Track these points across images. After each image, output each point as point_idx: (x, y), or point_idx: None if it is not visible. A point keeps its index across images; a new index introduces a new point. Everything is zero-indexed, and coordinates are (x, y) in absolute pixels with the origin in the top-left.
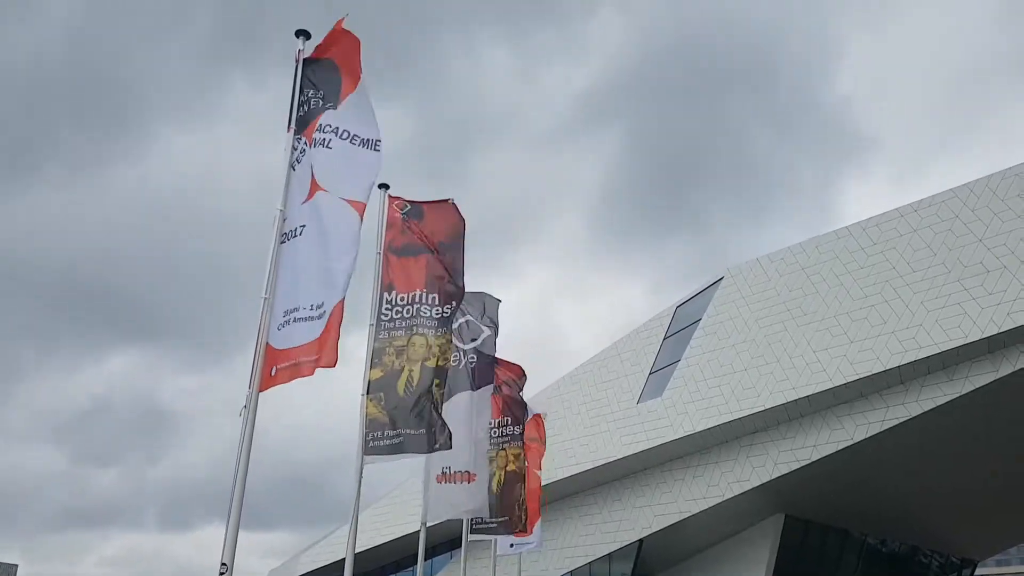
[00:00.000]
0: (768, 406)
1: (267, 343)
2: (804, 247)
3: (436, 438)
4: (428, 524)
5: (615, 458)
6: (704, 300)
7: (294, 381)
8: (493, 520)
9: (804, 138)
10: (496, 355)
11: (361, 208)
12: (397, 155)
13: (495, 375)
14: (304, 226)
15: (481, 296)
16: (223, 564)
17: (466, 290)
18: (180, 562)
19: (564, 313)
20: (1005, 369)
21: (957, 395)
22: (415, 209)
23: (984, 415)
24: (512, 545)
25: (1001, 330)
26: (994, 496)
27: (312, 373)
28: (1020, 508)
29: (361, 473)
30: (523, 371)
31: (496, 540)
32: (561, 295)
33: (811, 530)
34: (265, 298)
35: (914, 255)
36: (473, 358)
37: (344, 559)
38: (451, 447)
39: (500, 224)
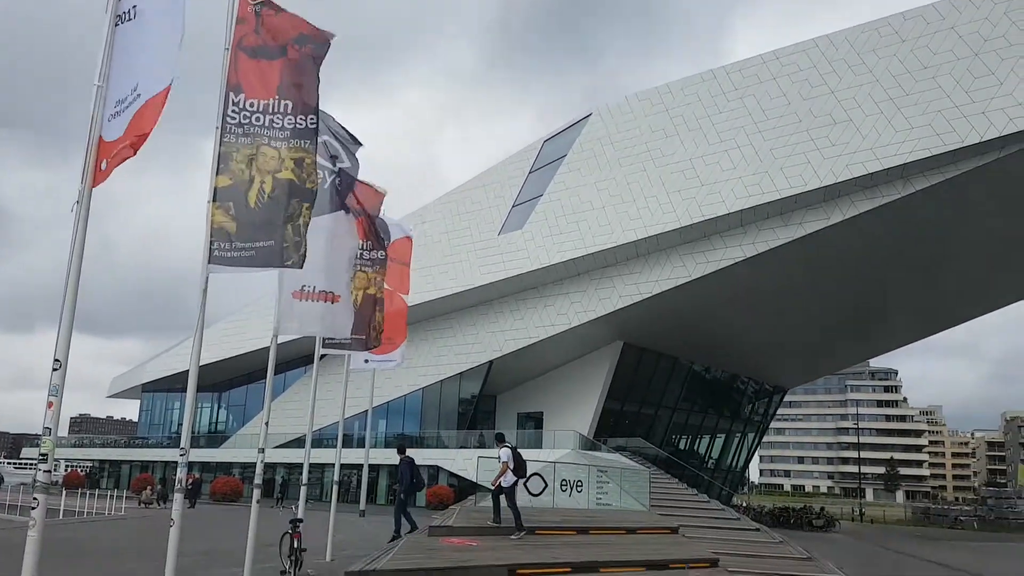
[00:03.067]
0: (620, 243)
1: (100, 135)
2: (671, 88)
3: (289, 254)
4: (282, 340)
5: (473, 286)
6: (571, 136)
7: (123, 165)
8: (347, 337)
9: None
10: (359, 178)
11: None
12: None
13: (359, 197)
14: (136, 6)
15: (343, 125)
16: (56, 360)
17: (333, 114)
18: (21, 363)
19: (444, 140)
20: (835, 217)
21: (789, 239)
22: (271, 5)
23: (811, 260)
24: (367, 361)
25: (838, 180)
26: (808, 334)
27: (124, 158)
28: (829, 346)
29: (206, 283)
30: (382, 195)
31: (350, 356)
32: (443, 121)
33: (645, 356)
34: (98, 86)
35: (770, 102)
36: (337, 179)
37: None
38: (302, 267)
39: (379, 38)
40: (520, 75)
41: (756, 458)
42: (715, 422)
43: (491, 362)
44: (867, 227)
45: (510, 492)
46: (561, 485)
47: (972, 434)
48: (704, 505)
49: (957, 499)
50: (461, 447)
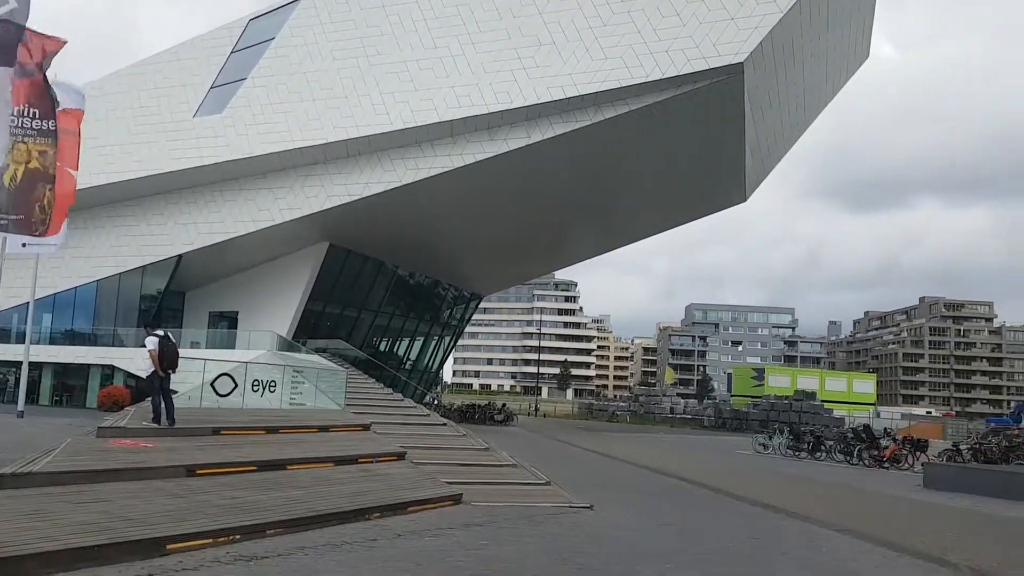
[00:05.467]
0: (330, 140)
1: None
2: None
3: None
4: None
5: (162, 171)
6: (280, 18)
7: None
8: (3, 217)
9: None
10: (29, 27)
11: None
12: None
13: (20, 54)
14: None
15: None
16: None
17: None
18: None
19: (146, 5)
20: (536, 137)
21: (494, 154)
22: None
23: (513, 175)
24: (24, 245)
25: (539, 101)
26: (506, 245)
27: None
28: (523, 257)
29: None
30: (58, 44)
31: (6, 239)
32: None
33: (351, 259)
34: None
35: (484, 14)
36: None
37: None
38: None
39: None
40: None
41: (451, 359)
42: (415, 325)
43: (180, 256)
44: (562, 149)
45: (163, 385)
46: (253, 385)
47: (632, 341)
48: (398, 403)
49: (616, 396)
50: (141, 346)
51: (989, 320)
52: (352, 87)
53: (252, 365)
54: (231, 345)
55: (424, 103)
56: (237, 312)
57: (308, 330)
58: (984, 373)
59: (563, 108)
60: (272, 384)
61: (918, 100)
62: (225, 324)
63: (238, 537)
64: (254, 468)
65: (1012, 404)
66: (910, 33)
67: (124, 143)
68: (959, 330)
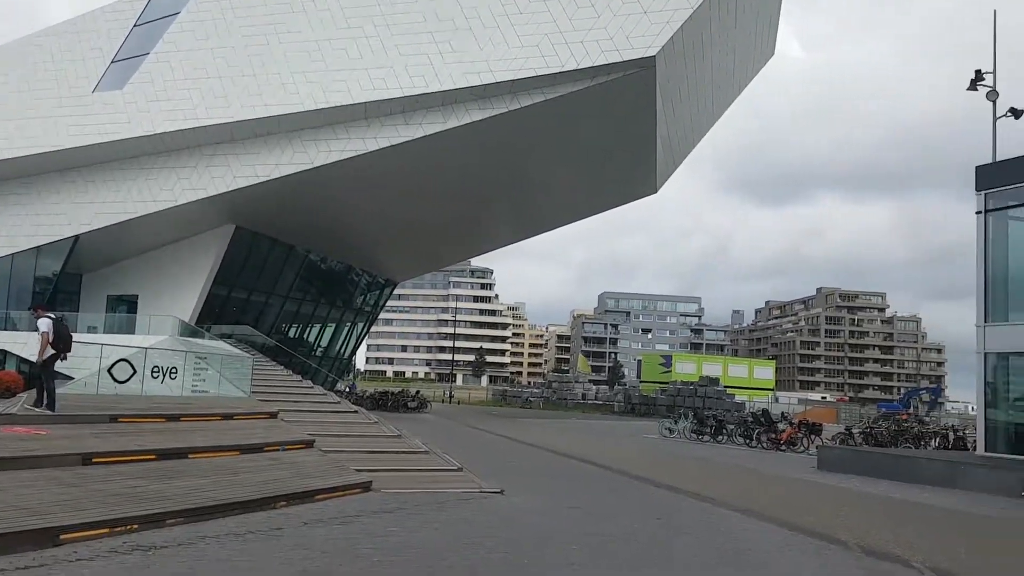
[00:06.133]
0: (237, 119)
1: None
2: None
3: None
4: None
5: (59, 148)
6: None
7: None
8: None
9: None
10: None
11: None
12: None
13: None
14: None
15: None
16: None
17: None
18: None
19: None
20: (452, 123)
21: (409, 139)
22: None
23: (429, 160)
24: None
25: (455, 87)
26: (422, 231)
27: None
28: (436, 243)
29: None
30: None
31: None
32: None
33: (259, 242)
34: None
35: None
36: None
37: None
38: None
39: None
40: None
41: (364, 346)
42: (327, 311)
43: (77, 237)
44: (478, 136)
45: (49, 368)
46: (152, 372)
47: (547, 328)
48: (308, 391)
49: (530, 382)
50: (35, 329)
51: (881, 310)
52: (261, 65)
53: (152, 351)
54: (130, 330)
55: (337, 84)
56: (137, 296)
57: (213, 315)
58: (876, 361)
59: (480, 95)
60: (173, 371)
61: (824, 98)
62: (124, 308)
63: (136, 527)
64: (154, 457)
65: (902, 390)
66: (817, 34)
67: (18, 118)
68: (853, 319)
